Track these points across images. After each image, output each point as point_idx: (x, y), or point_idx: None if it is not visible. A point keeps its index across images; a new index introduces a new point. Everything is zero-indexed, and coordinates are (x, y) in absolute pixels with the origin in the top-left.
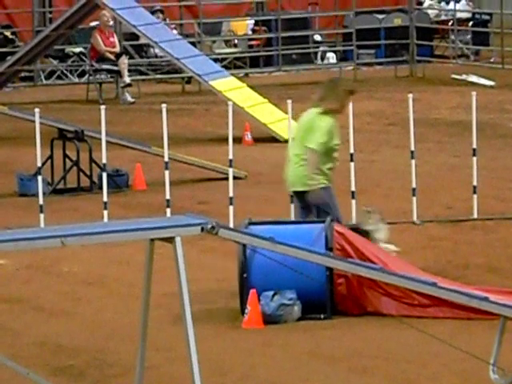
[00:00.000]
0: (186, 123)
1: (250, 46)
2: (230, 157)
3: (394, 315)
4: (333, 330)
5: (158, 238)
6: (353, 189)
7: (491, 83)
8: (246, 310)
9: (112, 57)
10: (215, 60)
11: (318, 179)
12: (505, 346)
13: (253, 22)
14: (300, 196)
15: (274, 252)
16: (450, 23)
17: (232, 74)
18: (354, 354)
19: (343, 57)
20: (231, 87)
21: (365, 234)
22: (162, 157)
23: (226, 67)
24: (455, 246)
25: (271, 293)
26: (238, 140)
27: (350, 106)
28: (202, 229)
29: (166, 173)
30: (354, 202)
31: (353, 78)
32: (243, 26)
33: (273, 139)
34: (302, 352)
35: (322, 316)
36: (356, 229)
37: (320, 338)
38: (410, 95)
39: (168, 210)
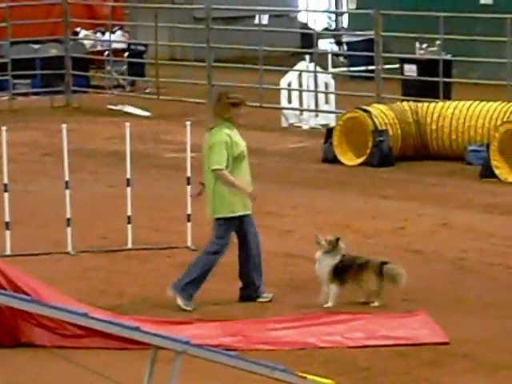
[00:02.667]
0: None
1: None
2: None
3: (48, 346)
4: None
5: None
6: (7, 219)
7: (147, 114)
8: None
9: None
10: None
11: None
12: (156, 375)
13: None
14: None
15: None
16: (105, 54)
17: None
18: None
19: None
20: None
21: None
22: None
23: None
24: (110, 276)
25: None
26: None
27: (4, 135)
28: None
29: None
30: (8, 232)
31: (8, 109)
32: None
33: None
34: None
35: None
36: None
37: None
38: (64, 125)
39: None
